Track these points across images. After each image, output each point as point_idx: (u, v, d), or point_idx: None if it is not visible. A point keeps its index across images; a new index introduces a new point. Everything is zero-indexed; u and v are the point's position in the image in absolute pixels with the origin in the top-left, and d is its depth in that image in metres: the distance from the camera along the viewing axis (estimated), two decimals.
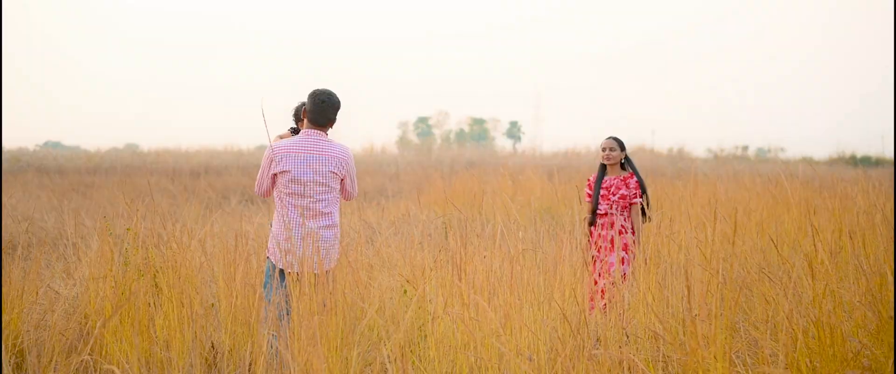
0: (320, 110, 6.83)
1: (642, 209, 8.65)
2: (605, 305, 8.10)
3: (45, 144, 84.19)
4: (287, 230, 6.65)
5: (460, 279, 5.91)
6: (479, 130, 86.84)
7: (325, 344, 5.33)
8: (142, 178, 32.14)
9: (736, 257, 7.80)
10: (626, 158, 8.91)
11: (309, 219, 6.71)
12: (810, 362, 5.54)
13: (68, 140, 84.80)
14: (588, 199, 8.91)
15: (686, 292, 5.23)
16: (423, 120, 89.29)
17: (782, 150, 57.99)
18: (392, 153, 55.69)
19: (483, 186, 20.16)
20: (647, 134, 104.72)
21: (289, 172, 6.73)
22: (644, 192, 8.76)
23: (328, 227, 6.75)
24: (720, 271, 5.66)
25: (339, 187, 6.87)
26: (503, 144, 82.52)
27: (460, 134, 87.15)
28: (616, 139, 8.91)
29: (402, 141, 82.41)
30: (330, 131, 6.98)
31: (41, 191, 27.29)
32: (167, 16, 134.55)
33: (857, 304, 6.05)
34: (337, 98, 6.88)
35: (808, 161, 47.13)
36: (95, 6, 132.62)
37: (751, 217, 11.31)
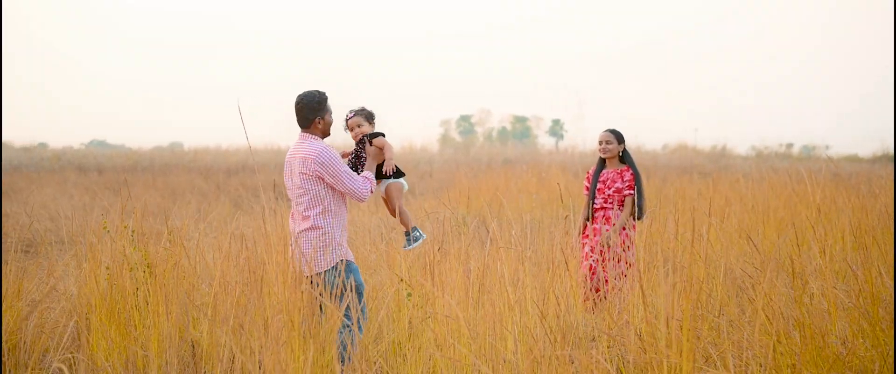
0: (297, 111, 6.87)
1: (638, 204, 8.51)
2: (594, 301, 8.02)
3: (90, 142, 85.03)
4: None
5: (432, 282, 5.80)
6: (521, 129, 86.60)
7: (289, 345, 5.25)
8: (177, 176, 32.30)
9: (721, 257, 7.63)
10: (625, 151, 8.75)
11: (295, 222, 6.76)
12: (792, 363, 5.39)
13: (114, 139, 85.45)
14: (586, 192, 8.82)
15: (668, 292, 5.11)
16: (465, 118, 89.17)
17: (827, 147, 57.24)
18: (432, 151, 55.70)
19: (508, 183, 20.03)
20: (690, 132, 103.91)
21: (285, 181, 6.90)
22: (639, 185, 8.59)
23: (309, 229, 6.65)
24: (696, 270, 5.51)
25: (320, 188, 6.70)
26: (546, 142, 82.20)
27: (502, 132, 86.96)
28: (613, 132, 8.76)
29: (445, 139, 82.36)
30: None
31: (75, 189, 27.48)
32: (204, 17, 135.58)
33: (851, 305, 5.89)
34: (311, 98, 6.84)
35: (852, 159, 46.56)
36: (140, 8, 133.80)
37: (769, 215, 11.10)
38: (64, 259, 10.73)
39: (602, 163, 8.81)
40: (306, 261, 6.50)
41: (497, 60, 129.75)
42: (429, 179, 30.22)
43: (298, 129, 6.88)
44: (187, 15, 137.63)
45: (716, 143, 52.73)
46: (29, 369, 6.45)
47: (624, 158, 8.78)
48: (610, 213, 8.53)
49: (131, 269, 7.08)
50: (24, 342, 6.93)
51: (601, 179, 8.72)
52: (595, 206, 8.70)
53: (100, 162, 44.78)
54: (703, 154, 47.66)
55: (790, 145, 56.88)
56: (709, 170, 32.31)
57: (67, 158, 47.61)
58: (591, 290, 8.05)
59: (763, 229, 10.24)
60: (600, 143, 8.73)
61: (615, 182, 8.64)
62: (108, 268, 6.95)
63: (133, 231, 8.38)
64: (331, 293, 6.35)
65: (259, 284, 5.74)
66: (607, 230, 8.46)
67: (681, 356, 4.96)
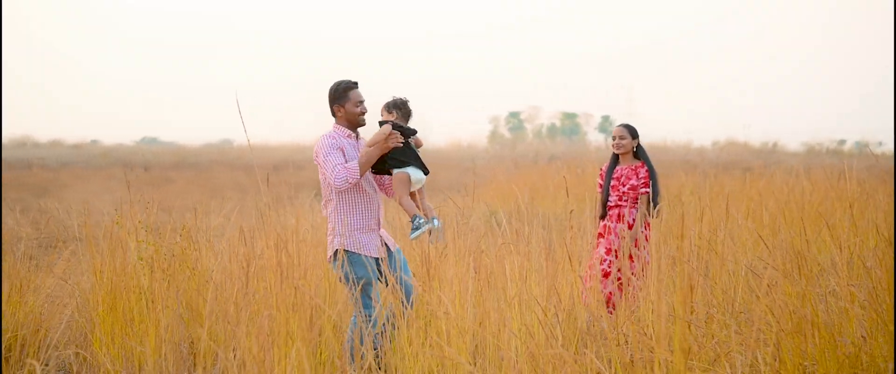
0: None
1: (654, 201, 8.23)
2: (607, 301, 7.79)
3: (142, 140, 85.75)
4: None
5: (428, 277, 5.66)
6: (570, 125, 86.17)
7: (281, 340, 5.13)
8: (221, 173, 32.41)
9: (742, 254, 7.40)
10: (639, 146, 8.50)
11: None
12: (801, 363, 5.18)
13: (165, 136, 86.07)
14: (599, 190, 8.54)
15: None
16: (514, 115, 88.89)
17: (880, 144, 56.31)
18: (480, 148, 55.62)
19: (545, 180, 19.84)
20: (742, 128, 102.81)
21: None
22: (654, 182, 8.32)
23: (328, 216, 6.74)
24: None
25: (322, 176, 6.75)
26: (595, 138, 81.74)
27: (552, 129, 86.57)
28: (627, 126, 8.50)
29: (494, 136, 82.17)
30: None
31: (118, 185, 27.63)
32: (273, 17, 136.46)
33: (864, 303, 5.68)
34: (331, 88, 6.83)
35: None
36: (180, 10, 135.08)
37: (803, 211, 10.83)
38: (88, 254, 10.71)
39: (615, 159, 8.53)
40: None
41: (546, 56, 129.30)
42: (470, 175, 30.03)
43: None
44: (228, 16, 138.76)
45: (768, 139, 52.10)
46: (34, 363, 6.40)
47: (638, 153, 8.50)
48: (624, 211, 8.27)
49: (134, 265, 7.01)
50: (33, 337, 6.90)
51: (615, 175, 8.43)
52: (609, 204, 8.41)
53: (147, 159, 45.11)
54: (752, 150, 47.11)
55: (842, 142, 55.99)
56: (755, 166, 31.86)
57: (115, 155, 48.05)
58: (607, 293, 7.82)
59: (787, 225, 9.95)
60: (613, 138, 8.48)
61: (630, 179, 8.34)
62: (109, 264, 6.87)
63: (146, 227, 8.33)
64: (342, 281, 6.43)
65: (245, 280, 5.61)
66: (622, 229, 8.18)
67: (672, 354, 4.77)
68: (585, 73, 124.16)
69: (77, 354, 6.83)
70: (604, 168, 8.56)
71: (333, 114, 6.81)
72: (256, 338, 5.01)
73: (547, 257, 6.17)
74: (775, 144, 50.71)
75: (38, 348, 6.93)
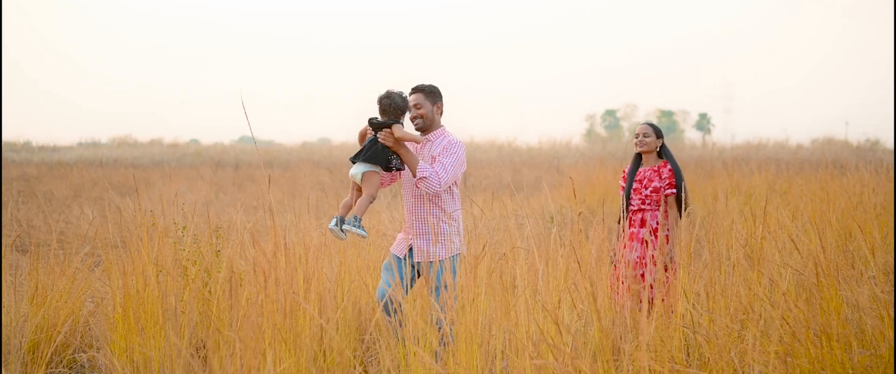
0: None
1: (681, 203, 7.76)
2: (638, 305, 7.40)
3: (241, 139, 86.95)
4: (461, 223, 6.80)
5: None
6: (667, 123, 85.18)
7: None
8: (305, 171, 32.53)
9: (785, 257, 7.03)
10: (663, 145, 8.05)
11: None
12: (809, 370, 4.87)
13: (263, 135, 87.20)
14: (621, 191, 8.13)
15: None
16: (610, 113, 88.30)
17: None
18: (572, 146, 55.20)
19: (617, 179, 19.45)
20: (841, 126, 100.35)
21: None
22: (679, 182, 7.84)
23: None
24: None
25: None
26: (692, 136, 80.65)
27: None
28: (651, 125, 8.04)
29: (590, 134, 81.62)
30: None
31: (203, 184, 27.90)
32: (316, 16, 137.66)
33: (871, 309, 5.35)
34: None
35: None
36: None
37: (867, 213, 10.34)
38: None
39: (638, 159, 8.11)
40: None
41: (643, 53, 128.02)
42: (555, 173, 29.70)
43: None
44: (328, 26, 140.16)
45: (869, 137, 50.72)
46: (55, 364, 6.37)
47: (662, 153, 8.05)
48: (646, 215, 7.81)
49: (144, 269, 6.93)
50: (49, 339, 6.87)
51: (637, 177, 7.98)
52: (632, 208, 7.96)
53: (239, 158, 45.59)
54: (850, 148, 45.88)
55: None
56: (851, 164, 30.95)
57: (209, 155, 48.70)
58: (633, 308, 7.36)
59: (838, 227, 9.48)
60: (636, 136, 8.01)
61: (653, 180, 7.87)
62: (128, 268, 6.78)
63: (183, 228, 8.26)
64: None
65: (234, 286, 5.44)
66: (646, 234, 7.72)
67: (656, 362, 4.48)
68: (683, 70, 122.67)
69: (90, 358, 6.78)
70: (626, 170, 8.14)
71: None
72: (243, 346, 4.86)
73: (567, 261, 5.92)
74: (876, 142, 49.32)
75: (56, 349, 6.89)
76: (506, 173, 30.63)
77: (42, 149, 59.67)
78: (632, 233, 7.75)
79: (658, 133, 8.00)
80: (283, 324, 5.29)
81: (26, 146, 61.54)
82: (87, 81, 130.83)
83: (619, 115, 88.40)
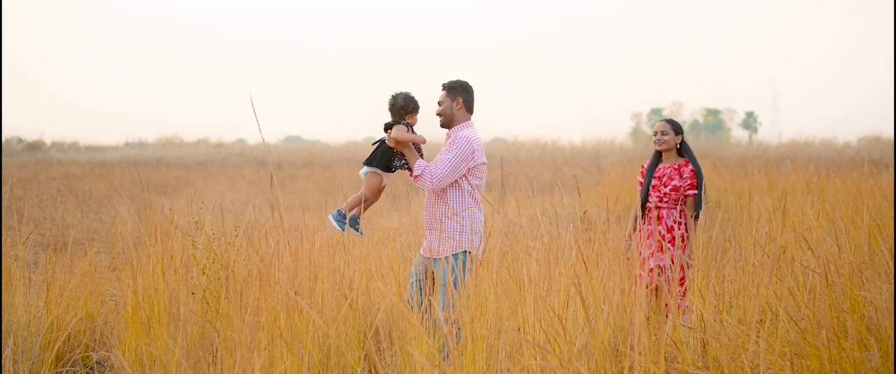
0: (473, 99, 6.93)
1: (697, 205, 7.58)
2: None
3: (286, 138, 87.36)
4: (477, 221, 6.74)
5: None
6: (713, 121, 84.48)
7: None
8: (346, 170, 32.57)
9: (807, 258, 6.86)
10: (683, 143, 7.89)
11: (481, 209, 6.81)
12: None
13: (309, 135, 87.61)
14: (639, 188, 7.96)
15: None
16: (656, 111, 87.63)
17: None
18: (618, 144, 54.97)
19: None
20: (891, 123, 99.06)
21: (485, 163, 6.82)
22: (700, 183, 7.67)
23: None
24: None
25: None
26: (739, 134, 79.94)
27: (694, 125, 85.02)
28: (670, 122, 7.87)
29: (636, 133, 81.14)
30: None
31: (244, 184, 28.01)
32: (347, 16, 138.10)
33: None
34: None
35: None
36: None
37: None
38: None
39: (658, 156, 7.91)
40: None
41: (689, 51, 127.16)
42: (595, 172, 29.51)
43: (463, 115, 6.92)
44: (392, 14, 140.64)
45: None
46: (66, 362, 6.37)
47: (682, 150, 7.89)
48: (663, 212, 7.65)
49: (154, 268, 6.91)
50: (62, 336, 6.87)
51: (656, 174, 7.80)
52: (649, 205, 7.78)
53: (282, 158, 45.76)
54: None
55: None
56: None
57: (253, 154, 48.94)
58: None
59: (863, 227, 9.24)
60: (655, 133, 7.84)
61: (672, 179, 7.70)
62: (138, 268, 6.76)
63: (197, 224, 8.24)
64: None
65: (230, 286, 5.39)
66: (671, 232, 7.55)
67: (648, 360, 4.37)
68: (729, 68, 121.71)
69: (103, 357, 6.78)
70: (645, 166, 7.98)
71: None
72: (238, 346, 4.80)
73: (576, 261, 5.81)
74: None
75: (69, 347, 6.90)
76: (546, 172, 30.51)
77: (89, 149, 60.26)
78: (650, 231, 7.59)
79: (677, 130, 7.82)
80: (281, 325, 5.22)
81: (73, 146, 62.19)
82: (87, 81, 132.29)
83: (665, 113, 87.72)
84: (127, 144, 68.08)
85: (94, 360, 6.94)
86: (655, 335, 6.30)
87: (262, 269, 5.39)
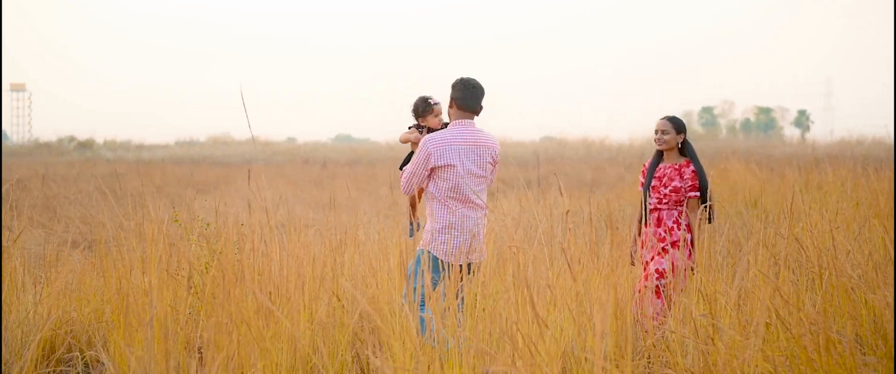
0: (473, 96, 6.71)
1: (707, 206, 7.18)
2: (652, 315, 6.97)
3: (336, 137, 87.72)
4: (452, 224, 6.60)
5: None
6: (765, 120, 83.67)
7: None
8: (388, 169, 32.53)
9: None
10: (685, 141, 7.51)
11: (470, 210, 6.62)
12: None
13: (359, 133, 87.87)
14: (640, 188, 7.65)
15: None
16: (707, 110, 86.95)
17: None
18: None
19: None
20: None
21: (454, 166, 6.58)
22: (703, 183, 7.33)
23: (483, 217, 6.69)
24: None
25: (491, 176, 6.80)
26: (791, 133, 79.06)
27: (746, 124, 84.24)
28: (671, 120, 7.48)
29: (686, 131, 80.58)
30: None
31: (282, 182, 28.07)
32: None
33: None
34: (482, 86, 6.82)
35: None
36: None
37: None
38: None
39: (659, 156, 7.54)
40: (482, 247, 6.52)
41: (743, 50, 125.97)
42: (636, 171, 29.18)
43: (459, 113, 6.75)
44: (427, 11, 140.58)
45: None
46: (54, 362, 6.44)
47: (684, 149, 7.51)
48: (663, 214, 7.32)
49: (130, 267, 6.83)
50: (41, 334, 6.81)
51: (657, 174, 7.45)
52: (649, 206, 7.43)
53: (328, 156, 45.88)
54: None
55: None
56: None
57: (299, 153, 49.09)
58: (648, 318, 6.87)
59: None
60: (656, 132, 7.47)
61: (673, 179, 7.35)
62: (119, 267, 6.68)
63: (204, 226, 8.15)
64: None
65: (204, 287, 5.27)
66: (659, 233, 7.25)
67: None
68: (781, 66, 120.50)
69: (90, 357, 6.71)
70: (646, 165, 7.64)
71: (480, 111, 6.80)
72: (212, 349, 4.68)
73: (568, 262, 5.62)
74: None
75: (53, 347, 6.84)
76: (588, 171, 30.27)
77: (138, 147, 60.83)
78: (647, 232, 7.31)
79: (679, 128, 7.47)
80: (257, 327, 5.10)
81: (124, 145, 62.82)
82: (87, 81, 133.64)
83: (716, 112, 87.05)
84: (178, 143, 68.66)
85: (83, 361, 6.87)
86: (643, 340, 6.12)
87: (227, 270, 5.27)
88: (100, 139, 66.79)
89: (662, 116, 7.49)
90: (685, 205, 7.30)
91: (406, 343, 5.15)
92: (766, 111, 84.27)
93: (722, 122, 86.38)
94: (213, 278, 5.81)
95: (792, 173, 17.81)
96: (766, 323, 5.12)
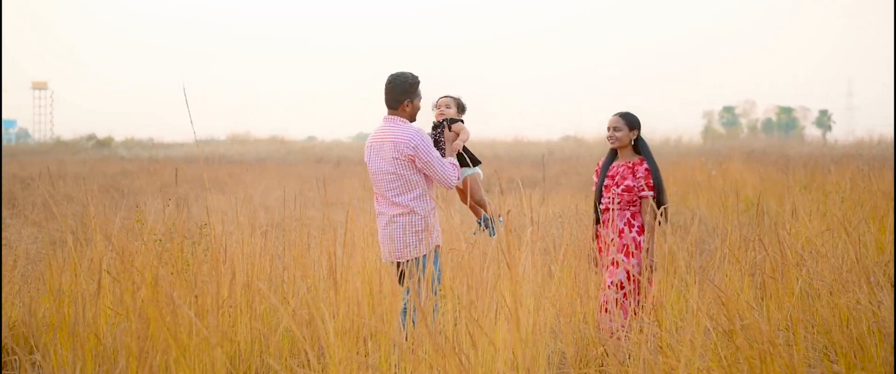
0: (387, 91, 6.72)
1: (658, 203, 6.91)
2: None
3: (357, 135, 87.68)
4: (379, 223, 6.70)
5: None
6: (786, 120, 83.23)
7: None
8: None
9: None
10: (639, 138, 7.21)
11: (383, 207, 6.62)
12: None
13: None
14: (594, 188, 7.31)
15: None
16: (728, 110, 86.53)
17: None
18: (685, 143, 54.38)
19: (686, 177, 18.83)
20: None
21: (368, 164, 6.72)
22: (657, 182, 7.04)
23: (400, 215, 6.55)
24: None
25: (412, 173, 6.53)
26: (812, 133, 78.60)
27: (767, 124, 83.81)
28: (623, 116, 7.17)
29: (707, 131, 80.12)
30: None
31: (292, 180, 27.96)
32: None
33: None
34: (404, 80, 6.70)
35: None
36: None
37: None
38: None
39: (613, 154, 7.28)
40: (398, 246, 6.49)
41: (763, 50, 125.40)
42: None
43: (383, 110, 6.76)
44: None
45: None
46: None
47: (638, 147, 7.22)
48: (615, 214, 6.99)
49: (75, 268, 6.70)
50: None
51: (609, 173, 7.18)
52: (601, 206, 7.16)
53: (342, 155, 45.81)
54: None
55: None
56: None
57: (314, 152, 49.07)
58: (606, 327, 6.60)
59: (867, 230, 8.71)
60: (608, 129, 7.20)
61: (625, 178, 7.06)
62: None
63: (165, 226, 8.00)
64: (418, 280, 6.16)
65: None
66: (621, 238, 6.95)
67: None
68: (802, 65, 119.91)
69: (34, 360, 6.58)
70: (600, 164, 7.38)
71: (398, 105, 6.69)
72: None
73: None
74: None
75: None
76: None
77: (155, 145, 60.94)
78: (604, 236, 7.05)
79: (632, 124, 7.17)
80: (177, 333, 4.92)
81: (141, 143, 62.92)
82: (87, 81, 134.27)
83: (737, 111, 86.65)
84: (197, 142, 68.68)
85: (29, 362, 6.73)
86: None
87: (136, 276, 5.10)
88: (120, 138, 66.94)
89: (615, 113, 7.22)
90: (638, 206, 7.03)
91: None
92: (787, 111, 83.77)
93: (743, 121, 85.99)
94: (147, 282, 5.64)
95: (797, 173, 17.59)
96: (709, 331, 4.92)
